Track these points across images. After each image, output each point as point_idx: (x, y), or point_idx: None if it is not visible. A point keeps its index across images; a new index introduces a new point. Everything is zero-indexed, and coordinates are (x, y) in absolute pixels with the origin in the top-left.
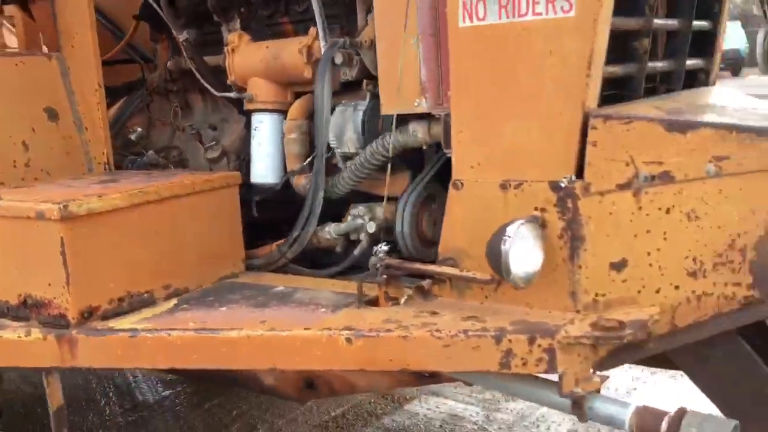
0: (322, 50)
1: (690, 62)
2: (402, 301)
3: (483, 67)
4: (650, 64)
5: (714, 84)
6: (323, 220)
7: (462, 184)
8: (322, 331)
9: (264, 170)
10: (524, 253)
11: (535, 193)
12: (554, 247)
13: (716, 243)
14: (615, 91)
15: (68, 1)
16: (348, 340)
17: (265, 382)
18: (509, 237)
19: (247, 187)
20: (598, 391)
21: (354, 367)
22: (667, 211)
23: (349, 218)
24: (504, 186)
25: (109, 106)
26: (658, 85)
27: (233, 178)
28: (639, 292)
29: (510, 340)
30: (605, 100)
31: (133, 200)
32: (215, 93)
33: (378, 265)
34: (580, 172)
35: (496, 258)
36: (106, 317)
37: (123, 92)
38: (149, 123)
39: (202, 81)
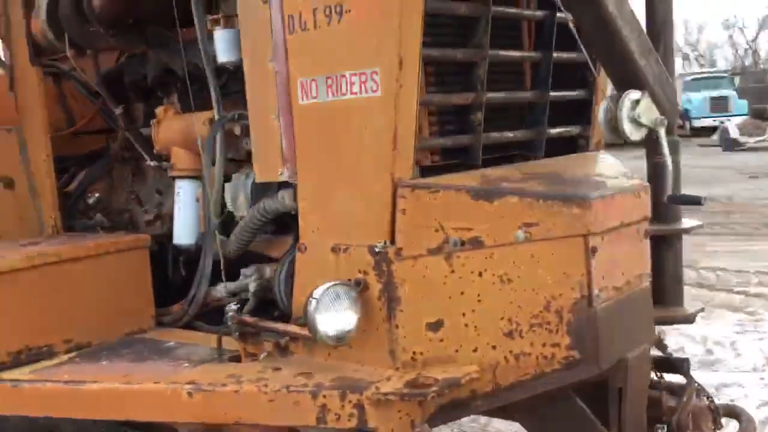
0: None
1: (561, 130)
2: (261, 356)
3: (318, 141)
4: (498, 134)
5: (597, 149)
6: (233, 279)
7: (305, 247)
8: (168, 385)
9: (182, 232)
10: (331, 314)
11: (359, 257)
12: (375, 308)
13: (531, 305)
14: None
15: (25, 82)
16: (189, 394)
17: None
18: (315, 299)
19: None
20: None
21: (195, 420)
22: (480, 274)
23: (241, 278)
24: (335, 250)
25: (76, 173)
26: (522, 153)
27: (142, 241)
28: (456, 351)
29: (324, 396)
30: (445, 169)
31: (33, 261)
32: (148, 161)
33: (229, 323)
34: (394, 238)
35: (306, 318)
36: (3, 368)
37: (91, 159)
38: (111, 188)
39: (139, 149)
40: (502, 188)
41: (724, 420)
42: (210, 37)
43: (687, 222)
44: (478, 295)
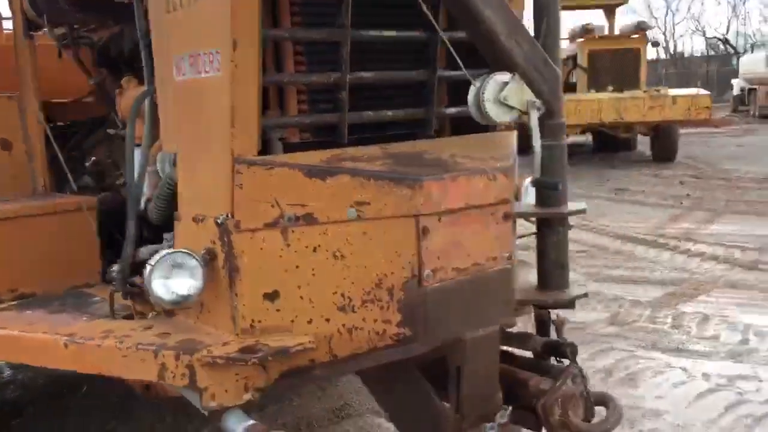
0: None
1: (459, 109)
2: (150, 316)
3: (185, 116)
4: (374, 113)
5: (508, 129)
6: None
7: (179, 216)
8: (53, 335)
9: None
10: (165, 280)
11: (210, 228)
12: (220, 277)
13: (363, 281)
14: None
15: (21, 54)
16: (65, 344)
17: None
18: (150, 265)
19: None
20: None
21: (69, 368)
22: (314, 249)
23: (163, 242)
24: (195, 219)
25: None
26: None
27: (88, 202)
28: (292, 321)
29: (164, 355)
30: (316, 145)
31: None
32: (113, 129)
33: (113, 282)
34: (234, 211)
35: (145, 283)
36: None
37: (95, 125)
38: (110, 153)
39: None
40: (335, 167)
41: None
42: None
43: (572, 206)
44: (313, 269)
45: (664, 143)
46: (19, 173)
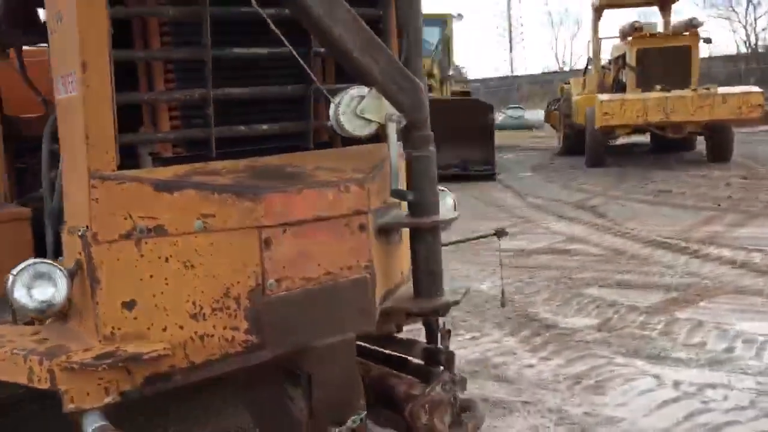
0: None
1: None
2: (47, 322)
3: (63, 133)
4: (246, 128)
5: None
6: None
7: (63, 228)
8: None
9: None
10: (27, 289)
11: (77, 239)
12: (85, 286)
13: (212, 291)
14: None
15: None
16: None
17: None
18: (11, 275)
19: None
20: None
21: None
22: (166, 260)
23: None
24: (70, 231)
25: None
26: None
27: (23, 213)
28: (148, 329)
29: (30, 360)
30: (187, 159)
31: None
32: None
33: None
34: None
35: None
36: None
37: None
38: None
39: None
40: (182, 181)
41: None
42: None
43: (444, 215)
44: (166, 279)
45: (717, 143)
46: None
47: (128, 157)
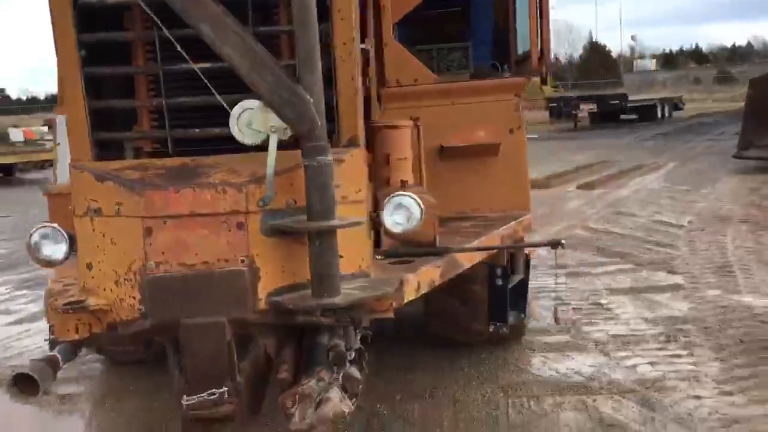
0: None
1: None
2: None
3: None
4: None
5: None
6: None
7: None
8: None
9: None
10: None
11: None
12: None
13: (123, 264)
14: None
15: None
16: None
17: None
18: (31, 234)
19: None
20: None
21: None
22: (104, 235)
23: None
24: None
25: None
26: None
27: None
28: (98, 287)
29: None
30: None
31: None
32: None
33: None
34: None
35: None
36: None
37: None
38: None
39: None
40: (108, 174)
41: None
42: None
43: (339, 221)
44: (104, 250)
45: None
46: None
47: (119, 151)
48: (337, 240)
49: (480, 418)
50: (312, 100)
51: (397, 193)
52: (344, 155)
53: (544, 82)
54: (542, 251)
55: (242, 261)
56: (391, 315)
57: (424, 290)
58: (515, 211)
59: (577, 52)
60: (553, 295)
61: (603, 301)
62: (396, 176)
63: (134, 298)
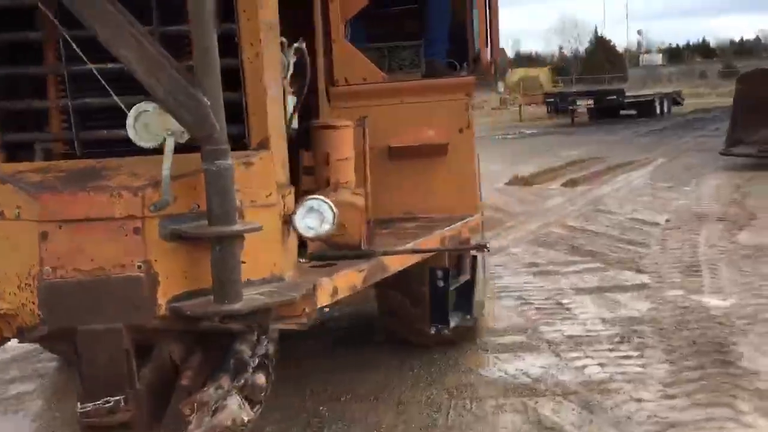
0: None
1: None
2: None
3: None
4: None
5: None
6: None
7: None
8: None
9: None
10: None
11: None
12: None
13: (23, 268)
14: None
15: None
16: None
17: None
18: None
19: None
20: None
21: None
22: (7, 238)
23: None
24: None
25: None
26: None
27: None
28: (4, 291)
29: None
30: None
31: None
32: None
33: None
34: None
35: None
36: None
37: None
38: None
39: None
40: (8, 177)
41: None
42: None
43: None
44: (7, 255)
45: None
46: None
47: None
48: (239, 245)
49: (419, 420)
50: (210, 103)
51: (310, 196)
52: (253, 158)
53: (494, 81)
54: (517, 249)
55: (139, 267)
56: (304, 321)
57: (343, 295)
58: (463, 212)
59: (583, 46)
60: (515, 294)
61: (565, 301)
62: (335, 177)
63: (33, 303)
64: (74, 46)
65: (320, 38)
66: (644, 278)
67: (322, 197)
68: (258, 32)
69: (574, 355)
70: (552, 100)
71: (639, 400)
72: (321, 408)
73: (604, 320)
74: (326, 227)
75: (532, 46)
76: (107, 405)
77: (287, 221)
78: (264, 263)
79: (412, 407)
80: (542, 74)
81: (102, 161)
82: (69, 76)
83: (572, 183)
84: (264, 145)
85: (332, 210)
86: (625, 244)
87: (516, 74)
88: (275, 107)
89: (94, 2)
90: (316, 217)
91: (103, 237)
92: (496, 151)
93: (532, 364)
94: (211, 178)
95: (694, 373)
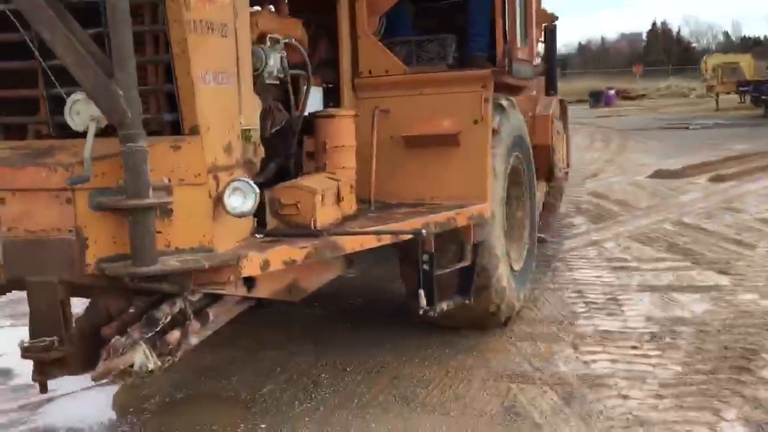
0: None
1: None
2: None
3: None
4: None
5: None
6: None
7: None
8: None
9: None
10: None
11: None
12: None
13: None
14: None
15: None
16: None
17: None
18: None
19: None
20: None
21: None
22: None
23: None
24: None
25: None
26: None
27: None
28: None
29: None
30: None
31: None
32: None
33: None
34: None
35: None
36: None
37: None
38: None
39: None
40: None
41: None
42: None
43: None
44: None
45: None
46: None
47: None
48: (151, 216)
49: (403, 394)
50: (122, 93)
51: (237, 177)
52: (181, 143)
53: (509, 74)
54: (611, 244)
55: (70, 231)
56: (230, 287)
57: (275, 267)
58: (471, 200)
59: None
60: (577, 288)
61: (622, 297)
62: (330, 163)
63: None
64: (32, 47)
65: (345, 33)
66: (724, 280)
67: (247, 179)
68: (183, 32)
69: (592, 349)
70: (746, 88)
71: (625, 397)
72: (322, 375)
73: (648, 318)
74: (248, 206)
75: (754, 30)
76: (43, 344)
77: (214, 199)
78: (193, 234)
79: (404, 382)
80: (743, 61)
81: (63, 141)
82: (42, 71)
83: (719, 178)
84: (195, 131)
85: (254, 191)
86: (731, 245)
87: (711, 60)
88: (210, 97)
89: (39, 9)
90: (239, 197)
91: (44, 204)
92: (666, 143)
93: (542, 354)
94: (126, 158)
95: (701, 376)
